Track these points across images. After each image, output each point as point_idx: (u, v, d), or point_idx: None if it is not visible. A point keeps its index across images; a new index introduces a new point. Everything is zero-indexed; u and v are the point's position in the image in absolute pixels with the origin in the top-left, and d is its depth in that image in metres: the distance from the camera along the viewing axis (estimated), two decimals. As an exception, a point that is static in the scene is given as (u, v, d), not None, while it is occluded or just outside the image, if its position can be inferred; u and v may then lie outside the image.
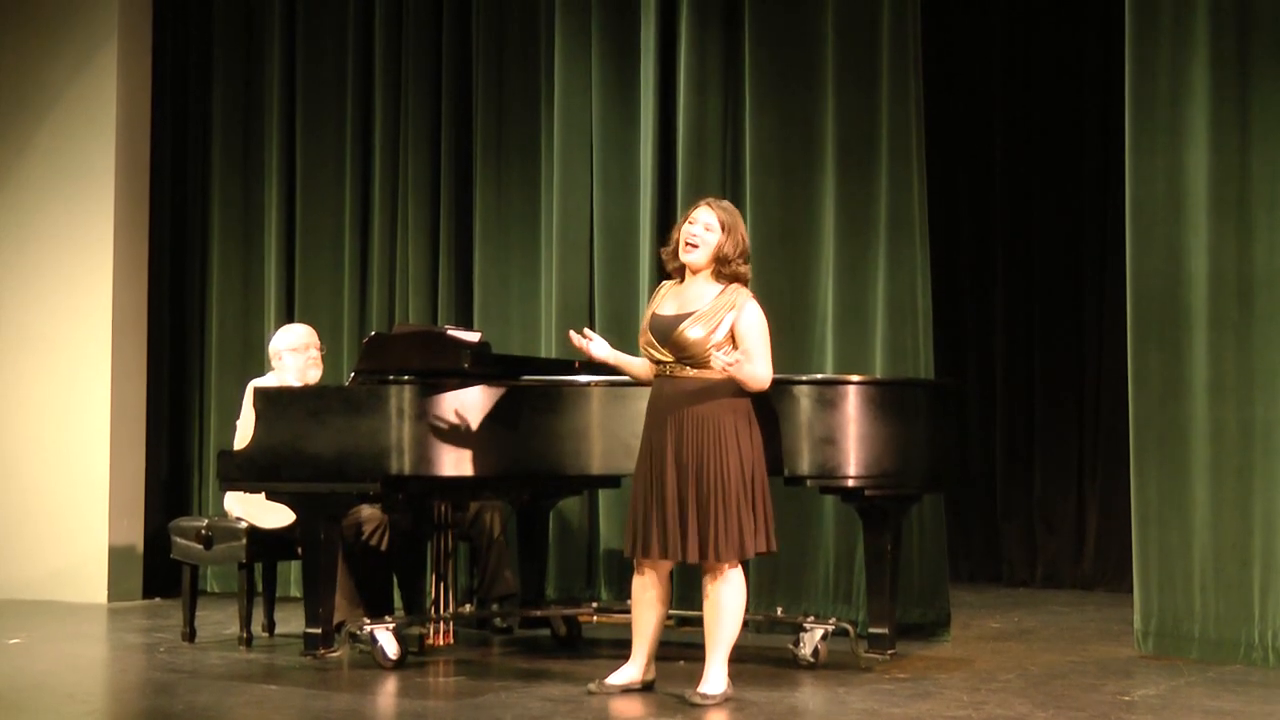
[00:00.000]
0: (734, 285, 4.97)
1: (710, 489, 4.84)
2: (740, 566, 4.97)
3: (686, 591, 6.30)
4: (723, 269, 4.96)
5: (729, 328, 4.90)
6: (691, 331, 4.90)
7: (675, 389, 4.93)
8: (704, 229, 4.95)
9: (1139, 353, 5.89)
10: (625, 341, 6.60)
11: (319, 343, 6.47)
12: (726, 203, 5.10)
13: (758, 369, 4.92)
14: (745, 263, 5.00)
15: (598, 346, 5.14)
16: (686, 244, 4.96)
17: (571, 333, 5.20)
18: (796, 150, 6.74)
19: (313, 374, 6.38)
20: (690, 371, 4.93)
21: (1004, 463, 8.55)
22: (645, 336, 5.00)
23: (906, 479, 5.63)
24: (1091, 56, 8.27)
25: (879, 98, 6.55)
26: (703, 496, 4.85)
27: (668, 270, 5.11)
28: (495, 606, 6.44)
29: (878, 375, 6.28)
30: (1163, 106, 5.87)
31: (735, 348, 4.88)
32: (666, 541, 4.88)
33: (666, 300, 5.04)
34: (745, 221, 6.72)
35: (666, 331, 4.94)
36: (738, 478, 4.87)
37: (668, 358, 4.95)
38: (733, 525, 4.86)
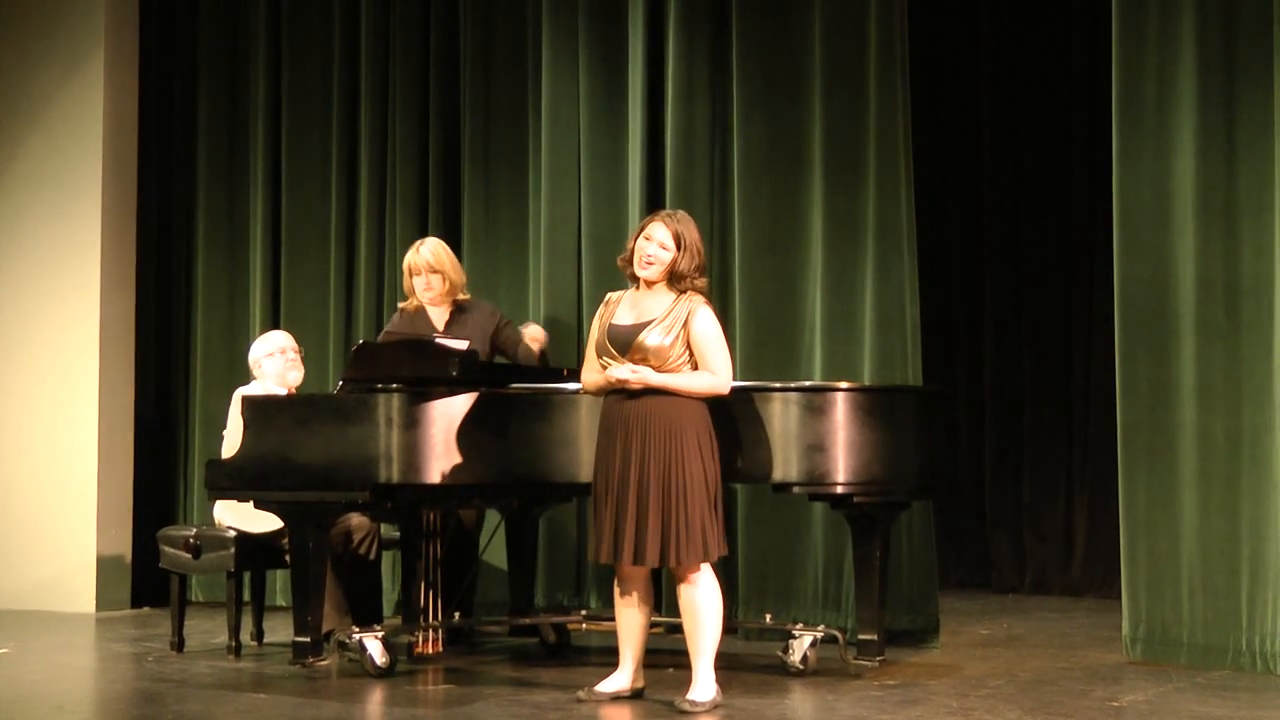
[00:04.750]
0: (689, 292, 5.03)
1: (672, 493, 4.87)
2: (711, 569, 4.98)
3: (674, 598, 6.28)
4: (678, 284, 5.02)
5: (686, 336, 4.97)
6: (651, 338, 4.95)
7: (636, 396, 4.95)
8: (659, 247, 5.00)
9: (1127, 359, 5.89)
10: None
11: (295, 344, 6.48)
12: (681, 214, 5.12)
13: (718, 379, 4.99)
14: (701, 275, 5.04)
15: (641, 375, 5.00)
16: (644, 262, 5.02)
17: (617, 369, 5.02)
18: (784, 159, 6.73)
19: (293, 376, 6.39)
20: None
21: (993, 469, 8.54)
22: (604, 347, 5.02)
23: (895, 486, 5.63)
24: (1078, 64, 8.27)
25: (867, 106, 6.54)
26: (665, 500, 4.87)
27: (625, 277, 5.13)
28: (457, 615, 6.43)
29: (866, 383, 6.27)
30: (1149, 113, 5.87)
31: (690, 355, 4.96)
32: (623, 545, 4.90)
33: (622, 310, 5.08)
34: (733, 229, 6.80)
35: (627, 340, 4.98)
36: (699, 482, 4.90)
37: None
38: (695, 528, 4.87)
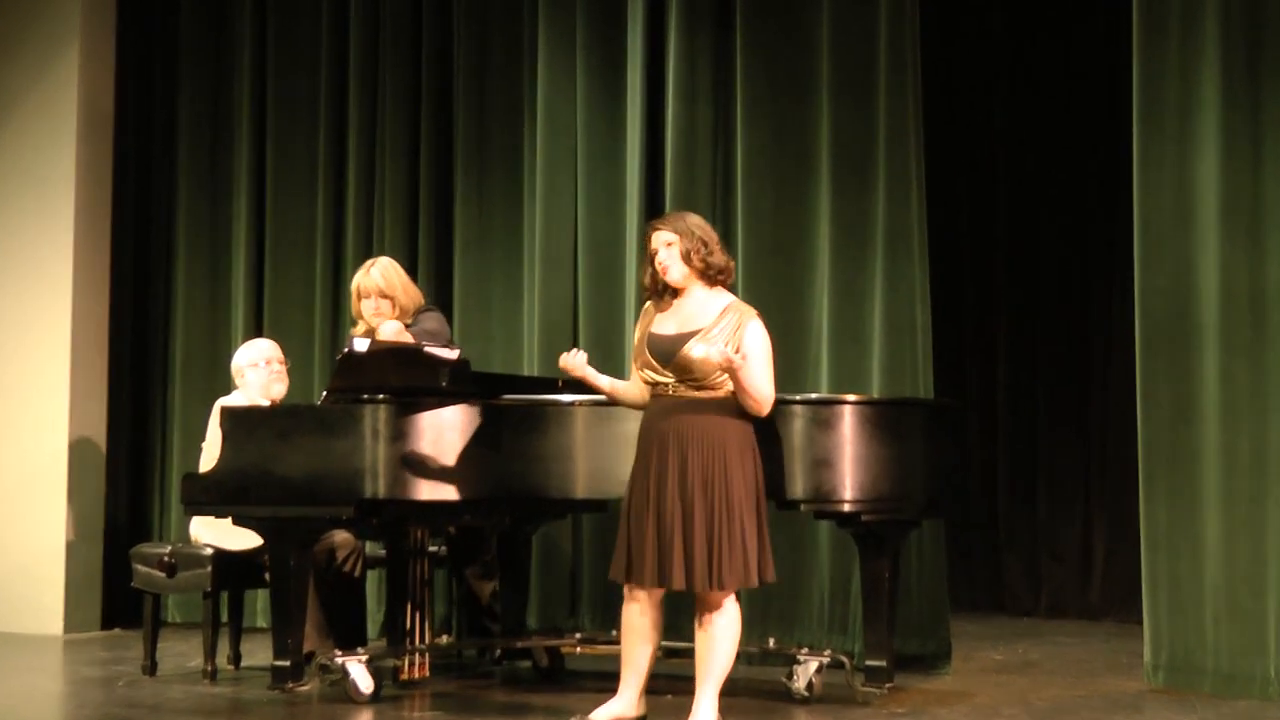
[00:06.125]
0: (735, 302, 4.97)
1: (717, 513, 4.79)
2: (736, 597, 4.90)
3: (675, 621, 6.22)
4: (693, 263, 4.93)
5: (739, 348, 4.86)
6: (696, 350, 4.85)
7: (678, 410, 4.86)
8: (665, 247, 4.97)
9: (1147, 372, 5.85)
10: (613, 359, 6.48)
11: (282, 356, 6.41)
12: (668, 214, 5.23)
13: (761, 388, 4.88)
14: (717, 251, 4.96)
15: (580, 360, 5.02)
16: (662, 271, 4.97)
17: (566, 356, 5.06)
18: (790, 163, 6.69)
19: (277, 389, 6.32)
20: (694, 393, 4.87)
21: (1007, 487, 8.52)
22: (643, 357, 4.94)
23: (905, 503, 5.57)
24: (1096, 65, 8.25)
25: (876, 109, 6.50)
26: (709, 521, 4.78)
27: (660, 298, 5.07)
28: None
29: (875, 395, 6.23)
30: (1171, 117, 5.84)
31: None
32: (664, 568, 4.79)
33: (662, 319, 5.00)
34: (736, 234, 6.68)
35: (669, 352, 4.88)
36: (744, 502, 4.81)
37: (668, 378, 4.89)
38: (737, 551, 4.79)
